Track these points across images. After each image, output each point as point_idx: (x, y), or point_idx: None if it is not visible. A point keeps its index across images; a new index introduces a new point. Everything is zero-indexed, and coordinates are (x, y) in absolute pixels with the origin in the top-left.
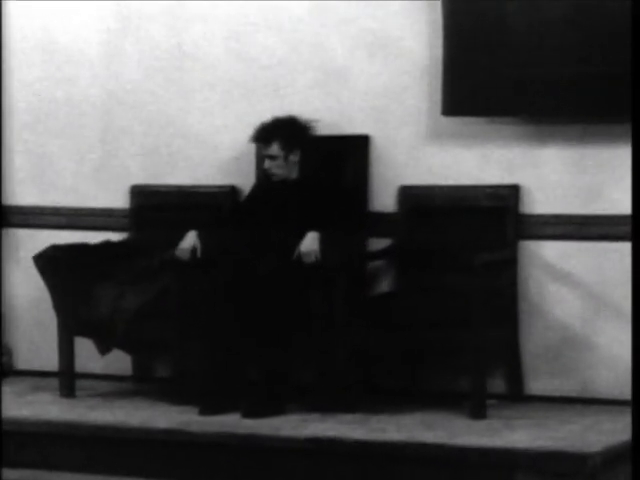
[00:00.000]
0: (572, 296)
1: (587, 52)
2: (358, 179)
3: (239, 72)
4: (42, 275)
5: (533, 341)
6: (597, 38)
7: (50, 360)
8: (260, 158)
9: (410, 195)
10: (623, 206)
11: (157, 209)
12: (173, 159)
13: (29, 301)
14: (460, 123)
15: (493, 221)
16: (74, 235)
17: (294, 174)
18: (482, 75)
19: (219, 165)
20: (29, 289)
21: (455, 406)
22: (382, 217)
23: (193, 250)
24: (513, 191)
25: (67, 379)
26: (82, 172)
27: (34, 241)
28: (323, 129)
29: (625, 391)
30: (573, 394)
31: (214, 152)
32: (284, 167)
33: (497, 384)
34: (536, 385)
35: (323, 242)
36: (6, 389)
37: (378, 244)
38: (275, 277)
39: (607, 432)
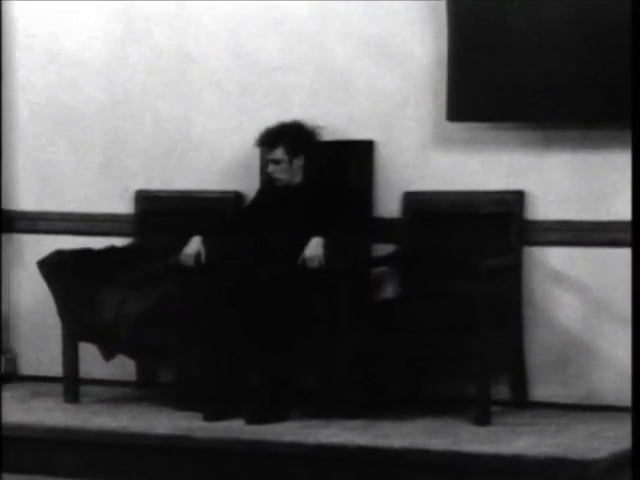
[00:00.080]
0: (577, 302)
1: (592, 58)
2: (362, 184)
3: (243, 77)
4: (46, 280)
5: (538, 347)
6: (602, 44)
7: (54, 365)
8: (264, 163)
9: (415, 200)
10: (628, 212)
11: (161, 214)
12: (177, 164)
13: (33, 306)
14: (465, 129)
15: (497, 227)
16: (78, 240)
17: (297, 179)
18: (487, 81)
19: (223, 171)
20: (33, 294)
21: (459, 412)
22: (386, 223)
23: (197, 255)
24: (518, 197)
25: (71, 384)
26: (86, 177)
27: (38, 246)
28: (327, 134)
29: (630, 398)
30: (578, 400)
31: (218, 157)
32: (288, 171)
33: (501, 390)
34: (541, 391)
35: (327, 247)
36: (10, 394)
37: (382, 250)
38: (279, 282)
39: (611, 439)
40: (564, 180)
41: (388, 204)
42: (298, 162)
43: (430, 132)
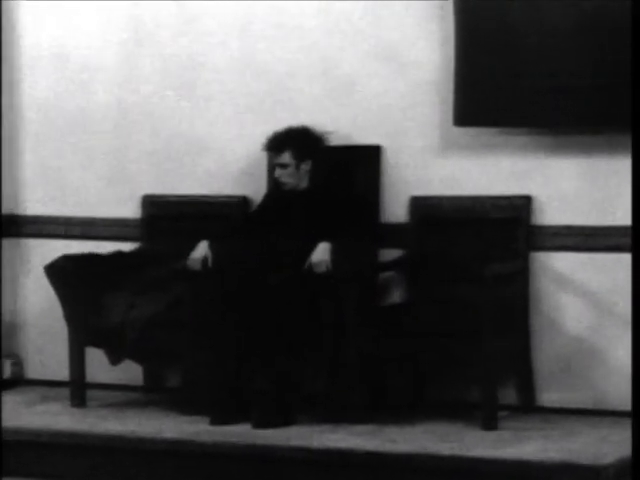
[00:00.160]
0: (584, 307)
1: (600, 63)
2: (369, 189)
3: (251, 83)
4: (53, 285)
5: (545, 352)
6: (610, 49)
7: (61, 370)
8: (271, 168)
9: (421, 206)
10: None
11: (168, 219)
12: (185, 169)
13: (40, 311)
14: (472, 134)
15: (504, 232)
16: (85, 245)
17: (304, 183)
18: (494, 86)
19: (230, 175)
20: (40, 299)
21: (466, 417)
22: (393, 228)
23: (204, 260)
24: (525, 202)
25: (78, 389)
26: (93, 182)
27: (45, 251)
28: (334, 139)
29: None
30: (585, 405)
31: (226, 162)
32: (295, 176)
33: (509, 395)
34: (548, 396)
35: (334, 252)
36: (17, 399)
37: (389, 255)
38: (286, 287)
39: (619, 444)
40: (571, 185)
41: (395, 209)
42: (305, 167)
43: (437, 137)
